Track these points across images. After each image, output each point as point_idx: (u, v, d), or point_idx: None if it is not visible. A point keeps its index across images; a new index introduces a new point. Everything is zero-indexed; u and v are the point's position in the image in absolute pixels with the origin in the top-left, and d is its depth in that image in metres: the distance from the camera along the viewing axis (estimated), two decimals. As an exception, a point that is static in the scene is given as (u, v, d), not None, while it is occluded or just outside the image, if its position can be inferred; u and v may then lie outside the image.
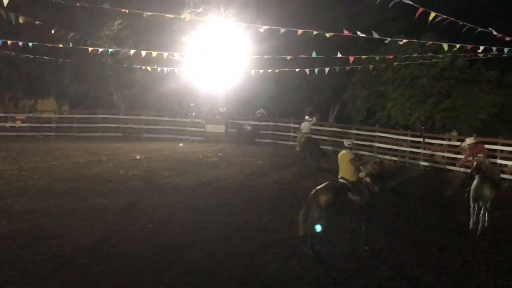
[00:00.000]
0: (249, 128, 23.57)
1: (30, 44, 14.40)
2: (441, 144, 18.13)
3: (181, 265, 6.87)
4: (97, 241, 7.70)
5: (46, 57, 17.97)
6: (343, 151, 8.29)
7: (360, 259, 7.42)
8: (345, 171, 8.05)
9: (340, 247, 7.83)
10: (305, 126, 17.63)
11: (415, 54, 18.66)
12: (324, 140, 21.12)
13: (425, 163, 17.80)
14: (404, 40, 13.27)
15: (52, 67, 23.28)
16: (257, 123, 24.48)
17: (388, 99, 22.56)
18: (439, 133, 20.17)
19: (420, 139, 18.57)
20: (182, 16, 16.29)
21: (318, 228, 7.29)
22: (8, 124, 24.03)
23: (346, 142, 8.56)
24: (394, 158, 18.87)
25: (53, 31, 12.36)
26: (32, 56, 17.90)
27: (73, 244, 7.54)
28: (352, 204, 7.63)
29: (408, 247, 8.05)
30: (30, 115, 24.76)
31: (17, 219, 8.72)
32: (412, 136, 19.08)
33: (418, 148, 18.50)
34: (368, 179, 7.91)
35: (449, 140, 18.57)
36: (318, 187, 7.59)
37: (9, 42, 13.32)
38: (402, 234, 8.78)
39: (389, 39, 12.04)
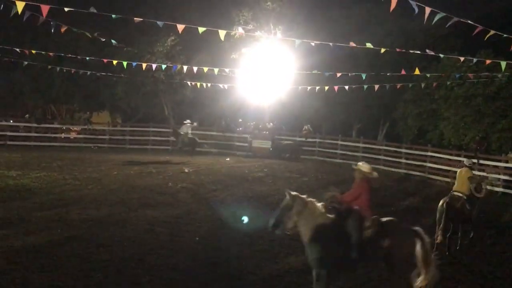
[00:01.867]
0: (285, 143, 23.46)
1: (88, 58, 15.11)
2: (497, 166, 17.32)
3: (226, 279, 6.87)
4: (145, 252, 7.84)
5: (102, 73, 18.71)
6: (463, 169, 9.40)
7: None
8: (461, 186, 9.16)
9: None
10: (185, 128, 20.79)
11: (470, 74, 18.03)
12: (376, 159, 20.78)
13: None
14: (461, 58, 12.84)
15: (107, 81, 24.23)
16: (303, 139, 24.39)
17: (441, 118, 21.84)
18: (495, 154, 19.29)
19: (475, 160, 17.82)
20: (233, 33, 16.56)
21: None
22: (63, 135, 25.15)
23: (466, 162, 9.74)
24: (446, 179, 18.18)
25: (114, 43, 12.81)
26: (88, 72, 18.74)
27: (122, 254, 7.71)
28: (464, 215, 8.86)
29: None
30: (85, 127, 25.80)
31: (71, 227, 9.03)
32: (466, 157, 18.34)
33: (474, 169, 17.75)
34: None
35: (506, 162, 17.71)
36: (445, 198, 8.92)
37: (66, 55, 14.04)
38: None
39: (443, 56, 11.70)
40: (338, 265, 6.00)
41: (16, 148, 21.46)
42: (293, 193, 6.23)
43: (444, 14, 7.78)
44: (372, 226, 6.06)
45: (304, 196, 6.33)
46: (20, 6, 7.61)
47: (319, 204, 6.34)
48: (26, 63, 17.16)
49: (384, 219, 6.27)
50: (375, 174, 6.57)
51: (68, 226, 9.06)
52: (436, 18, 7.82)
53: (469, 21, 8.12)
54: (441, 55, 11.83)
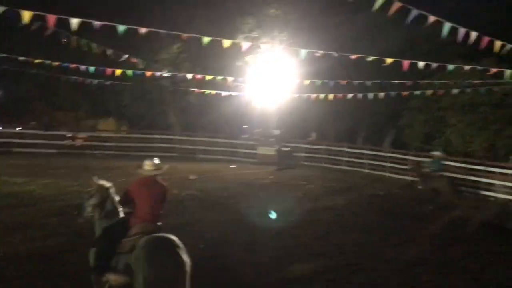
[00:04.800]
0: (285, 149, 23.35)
1: (92, 68, 15.22)
2: (505, 174, 17.19)
3: (232, 287, 6.84)
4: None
5: (108, 82, 18.82)
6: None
7: None
8: None
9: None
10: None
11: (475, 81, 17.96)
12: (382, 166, 20.76)
13: (487, 193, 16.92)
14: (466, 67, 12.81)
15: (112, 89, 24.36)
16: (310, 146, 24.36)
17: (447, 125, 21.80)
18: (501, 161, 19.17)
19: (482, 167, 17.71)
20: (238, 41, 16.62)
21: None
22: (69, 142, 25.29)
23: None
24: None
25: (122, 58, 12.94)
26: (93, 81, 18.86)
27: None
28: None
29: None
30: (91, 134, 25.92)
31: (77, 234, 9.02)
32: (472, 164, 18.25)
33: (480, 177, 17.63)
34: None
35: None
36: None
37: (72, 65, 14.18)
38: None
39: (452, 66, 11.69)
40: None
41: (22, 155, 21.56)
42: (100, 182, 6.09)
43: (451, 24, 7.79)
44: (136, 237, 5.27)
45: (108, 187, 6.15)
46: (27, 16, 7.69)
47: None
48: (33, 71, 17.32)
49: (158, 235, 5.31)
50: (156, 171, 5.74)
51: (75, 233, 9.06)
52: (444, 30, 7.84)
53: (476, 32, 8.14)
54: (449, 66, 11.81)
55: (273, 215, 9.41)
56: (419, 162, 17.68)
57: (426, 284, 7.34)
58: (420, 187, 15.02)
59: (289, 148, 23.14)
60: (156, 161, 5.80)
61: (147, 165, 5.72)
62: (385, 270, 7.72)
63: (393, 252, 8.83)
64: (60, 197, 12.25)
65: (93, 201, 6.01)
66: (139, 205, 5.57)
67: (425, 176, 15.23)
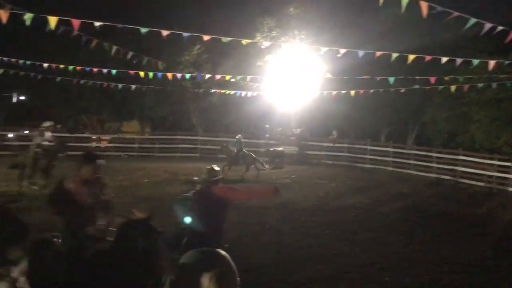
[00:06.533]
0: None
1: (114, 71, 15.48)
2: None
3: (256, 287, 6.86)
4: (175, 259, 7.90)
5: (132, 85, 19.10)
6: None
7: None
8: None
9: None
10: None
11: (501, 75, 17.56)
12: (406, 163, 20.54)
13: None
14: (492, 62, 12.53)
15: (136, 91, 24.74)
16: (331, 144, 24.24)
17: (472, 121, 21.39)
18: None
19: (509, 163, 17.33)
20: (256, 40, 16.70)
21: None
22: (94, 144, 25.75)
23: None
24: (479, 183, 17.76)
25: (144, 61, 13.16)
26: (118, 85, 19.16)
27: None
28: None
29: None
30: (115, 136, 26.34)
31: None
32: (499, 160, 17.88)
33: (507, 173, 17.28)
34: None
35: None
36: None
37: (95, 69, 14.49)
38: None
39: (477, 60, 11.46)
40: None
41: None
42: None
43: (476, 20, 7.64)
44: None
45: None
46: (53, 21, 7.88)
47: None
48: (59, 79, 17.76)
49: None
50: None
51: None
52: (469, 24, 7.69)
53: (501, 27, 7.96)
54: (473, 60, 11.58)
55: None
56: (226, 143, 19.52)
57: (453, 284, 7.23)
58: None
59: (281, 149, 22.64)
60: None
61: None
62: (411, 269, 7.63)
63: (418, 251, 8.73)
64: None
65: None
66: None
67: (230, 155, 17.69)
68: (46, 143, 13.10)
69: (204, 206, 5.65)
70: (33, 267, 3.17)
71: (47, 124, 13.90)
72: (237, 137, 19.02)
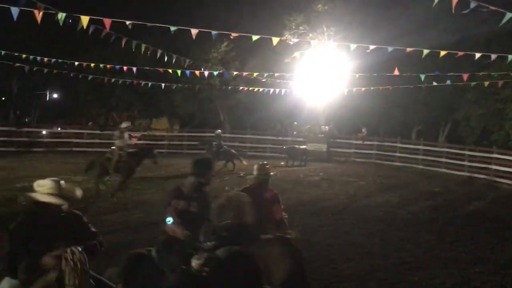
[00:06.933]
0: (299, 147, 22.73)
1: (145, 69, 15.74)
2: None
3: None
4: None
5: (162, 83, 19.38)
6: None
7: None
8: None
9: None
10: None
11: None
12: (437, 162, 20.15)
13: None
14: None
15: (165, 89, 25.05)
16: (360, 142, 23.98)
17: (507, 118, 20.78)
18: None
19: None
20: (285, 38, 16.63)
21: None
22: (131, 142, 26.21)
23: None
24: (513, 182, 17.28)
25: (173, 59, 13.29)
26: (148, 83, 19.46)
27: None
28: None
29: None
30: (145, 133, 26.75)
31: (134, 230, 9.36)
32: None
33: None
34: None
35: None
36: None
37: (125, 68, 14.74)
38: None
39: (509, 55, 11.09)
40: None
41: (80, 154, 22.55)
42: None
43: (512, 14, 7.38)
44: None
45: None
46: (85, 20, 8.04)
47: None
48: (90, 77, 18.15)
49: None
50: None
51: (131, 229, 9.39)
52: (504, 19, 7.43)
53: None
54: (509, 56, 11.20)
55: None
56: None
57: (485, 284, 7.04)
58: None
59: (304, 147, 22.15)
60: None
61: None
62: (442, 269, 7.47)
63: (449, 251, 8.54)
64: (117, 195, 12.64)
65: None
66: None
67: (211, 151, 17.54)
68: (126, 145, 12.90)
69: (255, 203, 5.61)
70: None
71: (125, 125, 13.63)
72: (216, 132, 19.23)
